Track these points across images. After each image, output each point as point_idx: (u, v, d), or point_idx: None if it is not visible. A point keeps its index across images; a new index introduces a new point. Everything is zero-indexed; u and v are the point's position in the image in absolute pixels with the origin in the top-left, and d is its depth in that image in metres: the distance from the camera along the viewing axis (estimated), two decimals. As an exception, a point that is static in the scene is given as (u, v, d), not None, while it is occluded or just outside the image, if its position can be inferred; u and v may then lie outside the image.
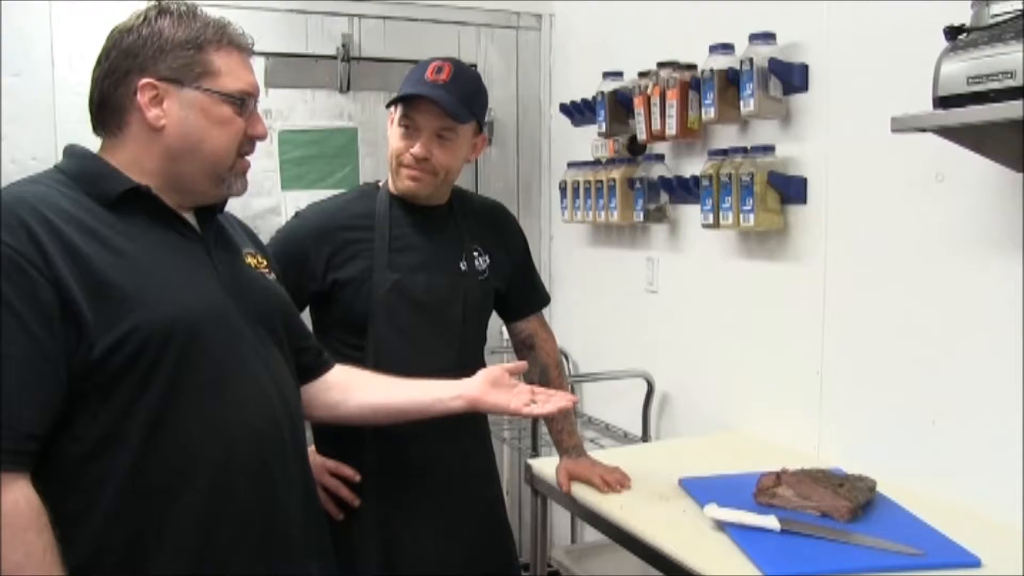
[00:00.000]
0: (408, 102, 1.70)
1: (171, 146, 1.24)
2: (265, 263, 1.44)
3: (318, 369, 1.55)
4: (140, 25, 1.23)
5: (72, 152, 1.27)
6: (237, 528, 1.22)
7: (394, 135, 1.75)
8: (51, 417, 1.11)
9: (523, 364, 1.70)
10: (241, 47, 1.29)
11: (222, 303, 1.25)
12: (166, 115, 1.22)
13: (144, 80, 1.21)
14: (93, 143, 1.30)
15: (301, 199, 2.60)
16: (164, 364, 1.16)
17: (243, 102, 1.28)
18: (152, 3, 1.27)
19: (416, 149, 1.71)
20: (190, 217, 1.31)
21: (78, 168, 1.23)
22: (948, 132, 1.52)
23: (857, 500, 1.64)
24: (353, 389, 1.55)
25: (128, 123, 1.24)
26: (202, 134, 1.24)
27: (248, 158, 1.32)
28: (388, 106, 1.76)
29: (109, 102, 1.24)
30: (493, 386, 1.56)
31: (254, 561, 1.23)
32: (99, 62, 1.25)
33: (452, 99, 1.68)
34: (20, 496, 1.06)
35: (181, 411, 1.18)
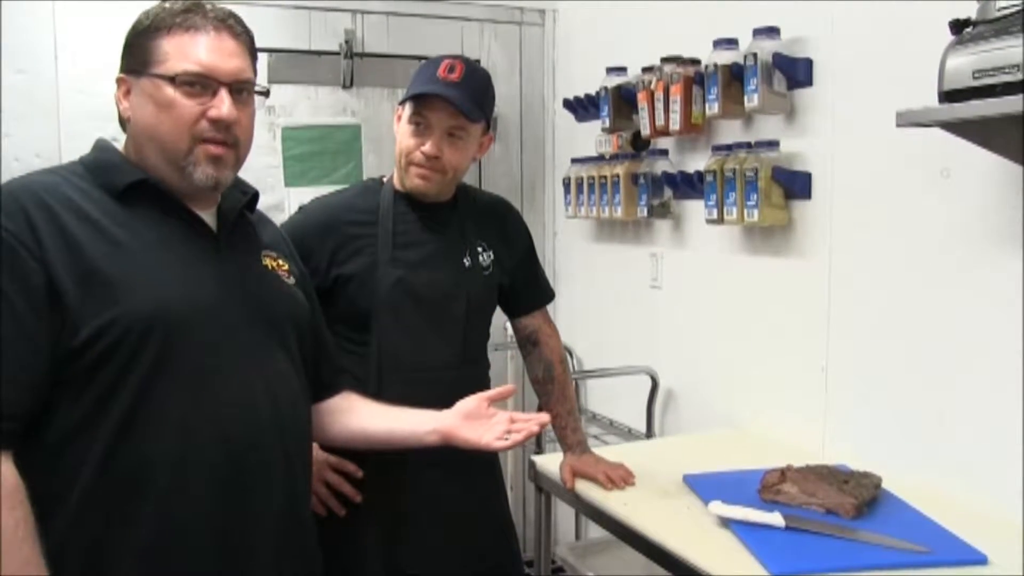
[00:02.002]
0: (420, 100, 1.69)
1: (136, 136, 1.27)
2: (286, 267, 1.42)
3: (333, 388, 1.54)
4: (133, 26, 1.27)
5: (96, 145, 1.31)
6: (198, 533, 1.19)
7: (404, 133, 1.74)
8: (33, 398, 1.11)
9: (509, 389, 1.63)
10: (196, 28, 1.23)
11: (217, 301, 1.24)
12: (131, 106, 1.26)
13: (118, 76, 1.27)
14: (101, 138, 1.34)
15: (304, 195, 2.59)
16: (142, 357, 1.15)
17: (191, 84, 1.22)
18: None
19: (427, 147, 1.70)
20: (208, 214, 1.30)
21: (95, 160, 1.27)
22: (954, 127, 1.51)
23: (862, 497, 1.63)
24: (341, 413, 1.54)
25: (124, 119, 1.29)
26: (152, 120, 1.24)
27: (213, 147, 1.24)
28: (401, 103, 1.75)
29: (116, 101, 1.29)
30: (468, 419, 1.53)
31: (217, 568, 1.21)
32: None
33: (464, 98, 1.67)
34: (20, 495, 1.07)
35: (153, 407, 1.17)
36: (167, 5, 1.26)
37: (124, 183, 1.22)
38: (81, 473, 1.14)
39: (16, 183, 1.19)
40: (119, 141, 1.31)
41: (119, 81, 1.27)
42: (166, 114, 1.22)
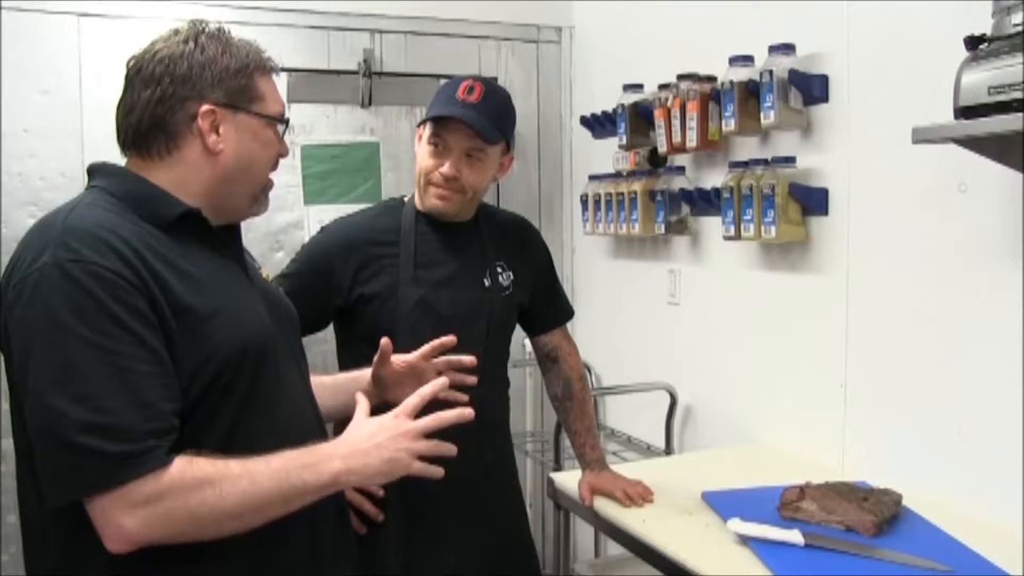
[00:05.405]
0: (439, 121, 1.71)
1: (227, 169, 1.25)
2: (272, 278, 1.49)
3: None
4: (192, 52, 1.23)
5: (112, 171, 1.24)
6: (290, 540, 1.23)
7: (423, 153, 1.75)
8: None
9: (447, 340, 1.58)
10: (275, 71, 1.33)
11: (269, 318, 1.28)
12: (223, 140, 1.23)
13: (205, 107, 1.22)
14: (117, 160, 1.28)
15: (324, 214, 2.62)
16: (237, 386, 1.18)
17: (286, 124, 1.32)
18: (189, 26, 1.26)
19: (445, 168, 1.71)
20: None
21: (127, 190, 1.21)
22: (970, 142, 1.51)
23: (883, 514, 1.62)
24: None
25: (180, 147, 1.23)
26: (253, 156, 1.27)
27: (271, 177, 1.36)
28: (419, 125, 1.77)
29: (163, 126, 1.21)
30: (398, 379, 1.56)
31: (301, 570, 1.26)
32: (147, 86, 1.22)
33: (483, 119, 1.69)
34: (197, 468, 1.09)
35: (247, 429, 1.20)
36: (237, 40, 1.27)
37: (174, 214, 1.20)
38: None
39: (84, 222, 1.13)
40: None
41: (207, 113, 1.21)
42: (266, 151, 1.29)
